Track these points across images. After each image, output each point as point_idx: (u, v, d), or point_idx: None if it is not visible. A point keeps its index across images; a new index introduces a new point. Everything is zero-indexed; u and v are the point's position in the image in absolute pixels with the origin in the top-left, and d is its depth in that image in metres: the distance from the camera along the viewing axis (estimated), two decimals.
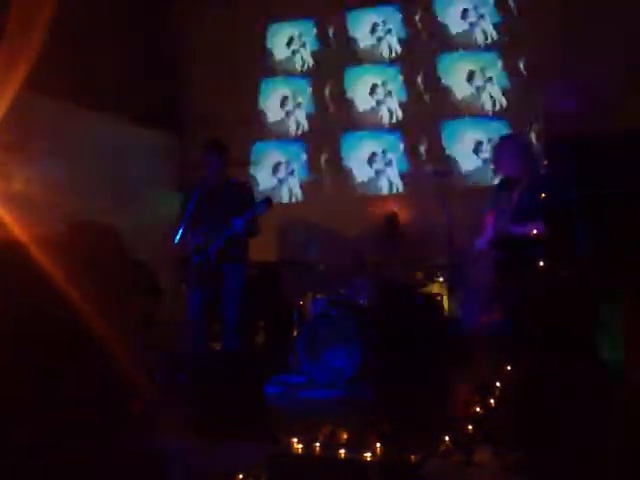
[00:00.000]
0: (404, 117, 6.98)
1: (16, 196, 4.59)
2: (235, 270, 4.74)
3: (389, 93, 7.08)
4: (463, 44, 6.83)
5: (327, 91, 7.34)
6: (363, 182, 7.03)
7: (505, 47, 6.62)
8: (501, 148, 4.29)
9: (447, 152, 6.70)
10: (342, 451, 2.85)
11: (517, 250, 3.98)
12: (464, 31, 6.84)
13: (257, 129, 7.54)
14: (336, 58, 7.36)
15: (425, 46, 6.99)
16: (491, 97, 6.63)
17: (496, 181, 4.53)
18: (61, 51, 5.30)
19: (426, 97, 6.90)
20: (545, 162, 3.23)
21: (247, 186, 5.10)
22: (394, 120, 7.02)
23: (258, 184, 7.34)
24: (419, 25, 7.06)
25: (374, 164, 7.03)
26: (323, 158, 7.24)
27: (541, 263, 3.52)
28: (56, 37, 4.91)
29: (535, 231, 3.87)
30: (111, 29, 6.32)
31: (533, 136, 6.09)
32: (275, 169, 7.43)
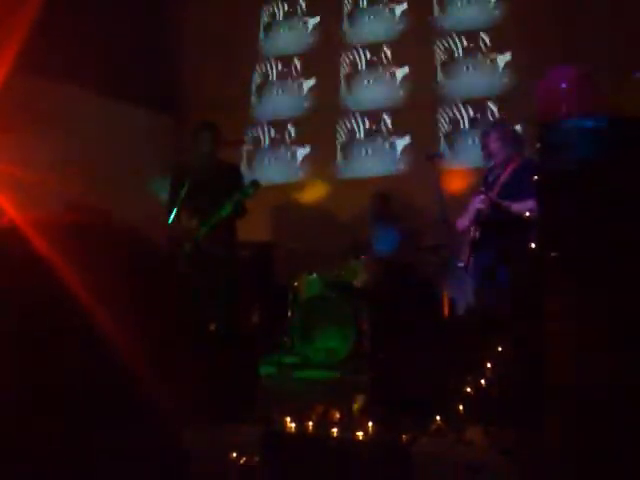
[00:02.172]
0: (398, 99, 6.97)
1: (10, 179, 4.57)
2: (226, 252, 4.77)
3: (383, 74, 7.06)
4: (459, 29, 6.81)
5: (321, 73, 7.33)
6: (356, 163, 7.03)
7: (502, 33, 6.60)
8: (487, 136, 4.41)
9: (441, 134, 6.71)
10: (334, 430, 2.89)
11: (500, 228, 4.07)
12: (460, 17, 6.82)
13: (251, 111, 7.53)
14: (330, 40, 7.34)
15: (420, 31, 6.97)
16: (486, 81, 6.62)
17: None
18: (57, 32, 5.26)
19: (420, 80, 6.88)
20: (538, 145, 3.25)
21: (237, 169, 5.11)
22: (388, 102, 7.01)
23: (250, 165, 7.35)
24: (415, 10, 7.04)
25: (369, 146, 7.03)
26: (317, 140, 7.24)
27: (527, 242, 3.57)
28: (52, 17, 4.87)
29: (527, 213, 3.92)
30: (109, 11, 6.25)
31: (524, 121, 6.12)
32: (268, 150, 7.43)
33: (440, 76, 6.80)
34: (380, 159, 6.92)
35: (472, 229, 4.26)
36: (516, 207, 4.09)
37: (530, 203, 3.96)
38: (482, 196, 4.22)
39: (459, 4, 6.84)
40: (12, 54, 4.47)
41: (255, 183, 4.62)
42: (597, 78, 4.00)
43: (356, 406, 3.36)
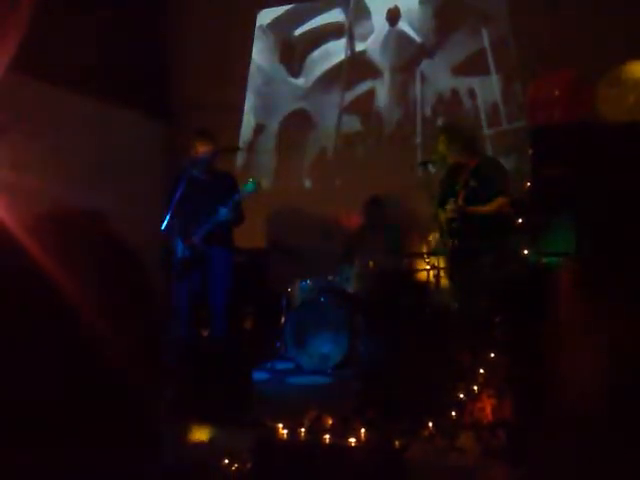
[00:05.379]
0: (389, 106, 6.98)
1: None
2: (221, 256, 4.76)
3: (374, 80, 7.07)
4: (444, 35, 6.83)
5: (315, 77, 7.34)
6: (348, 168, 7.02)
7: (488, 37, 6.61)
8: (440, 136, 4.47)
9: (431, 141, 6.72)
10: (327, 436, 2.89)
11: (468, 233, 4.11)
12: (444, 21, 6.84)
13: (246, 117, 7.53)
14: (323, 44, 7.35)
15: (406, 39, 6.99)
16: (472, 88, 6.62)
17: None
18: (49, 34, 5.25)
19: (409, 87, 6.90)
20: (530, 150, 3.27)
21: (231, 176, 5.13)
22: (379, 108, 7.02)
23: (244, 170, 7.34)
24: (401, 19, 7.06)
25: (363, 151, 7.03)
26: (311, 145, 7.25)
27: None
28: (43, 18, 4.86)
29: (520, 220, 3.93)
30: (103, 16, 6.24)
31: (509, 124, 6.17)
32: (263, 155, 7.43)
33: (426, 85, 6.81)
34: (374, 165, 6.92)
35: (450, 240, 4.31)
36: (486, 209, 4.12)
37: (499, 201, 4.01)
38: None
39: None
40: (2, 54, 4.45)
41: (255, 183, 4.66)
42: (589, 84, 4.02)
43: None
